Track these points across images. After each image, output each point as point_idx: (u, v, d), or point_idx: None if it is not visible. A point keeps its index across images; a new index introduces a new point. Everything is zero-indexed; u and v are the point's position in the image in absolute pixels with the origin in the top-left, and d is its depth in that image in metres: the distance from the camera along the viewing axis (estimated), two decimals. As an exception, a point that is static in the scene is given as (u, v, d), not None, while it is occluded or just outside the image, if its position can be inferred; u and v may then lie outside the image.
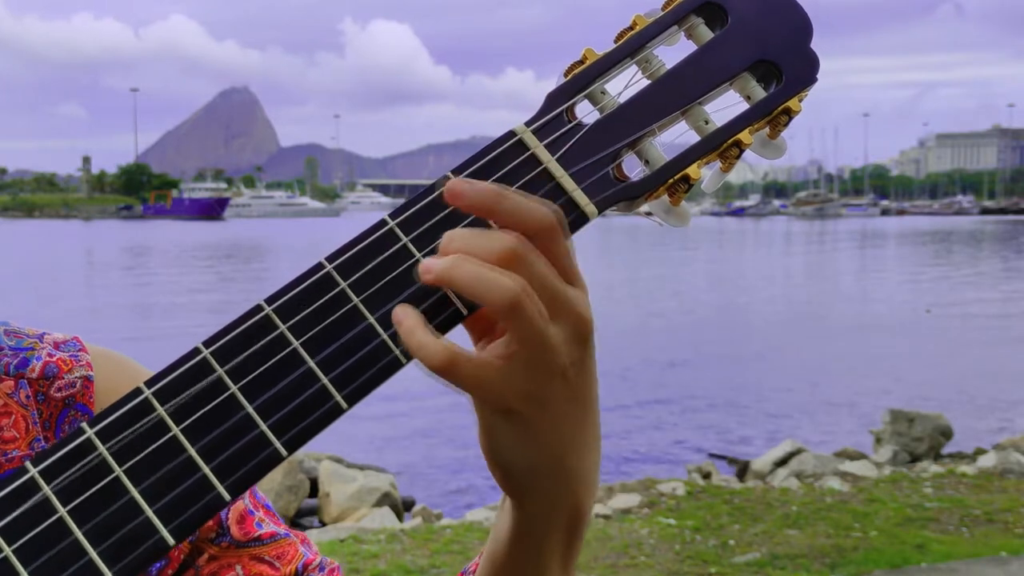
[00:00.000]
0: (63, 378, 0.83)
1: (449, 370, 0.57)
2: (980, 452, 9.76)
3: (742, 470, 9.70)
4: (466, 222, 0.60)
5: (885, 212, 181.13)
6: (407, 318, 0.58)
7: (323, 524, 7.91)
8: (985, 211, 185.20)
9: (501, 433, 0.62)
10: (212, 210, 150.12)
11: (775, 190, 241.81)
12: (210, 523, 0.82)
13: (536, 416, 0.61)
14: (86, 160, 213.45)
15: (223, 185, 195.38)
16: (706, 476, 8.79)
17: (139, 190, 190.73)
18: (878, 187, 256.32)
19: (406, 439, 11.95)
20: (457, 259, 0.57)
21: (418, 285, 0.59)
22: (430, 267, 0.57)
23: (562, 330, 0.59)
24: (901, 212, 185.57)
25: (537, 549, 0.68)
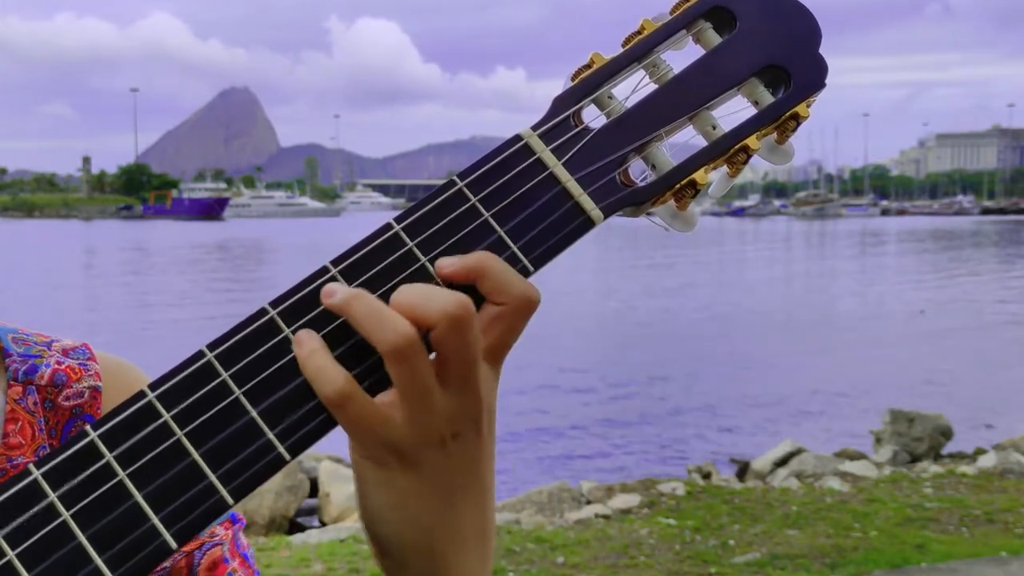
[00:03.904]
0: (71, 387, 0.82)
1: (341, 404, 0.56)
2: (980, 452, 9.75)
3: (742, 470, 9.69)
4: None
5: (885, 212, 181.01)
6: (310, 340, 0.57)
7: (323, 524, 7.90)
8: (985, 211, 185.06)
9: (370, 484, 0.60)
10: (212, 210, 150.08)
11: (775, 190, 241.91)
12: (181, 564, 0.80)
13: (405, 477, 0.59)
14: (86, 160, 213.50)
15: (223, 185, 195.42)
16: (706, 476, 8.78)
17: (139, 190, 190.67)
18: (878, 187, 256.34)
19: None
20: (359, 292, 0.57)
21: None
22: (333, 291, 0.57)
23: (452, 399, 0.57)
24: (901, 212, 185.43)
25: None
